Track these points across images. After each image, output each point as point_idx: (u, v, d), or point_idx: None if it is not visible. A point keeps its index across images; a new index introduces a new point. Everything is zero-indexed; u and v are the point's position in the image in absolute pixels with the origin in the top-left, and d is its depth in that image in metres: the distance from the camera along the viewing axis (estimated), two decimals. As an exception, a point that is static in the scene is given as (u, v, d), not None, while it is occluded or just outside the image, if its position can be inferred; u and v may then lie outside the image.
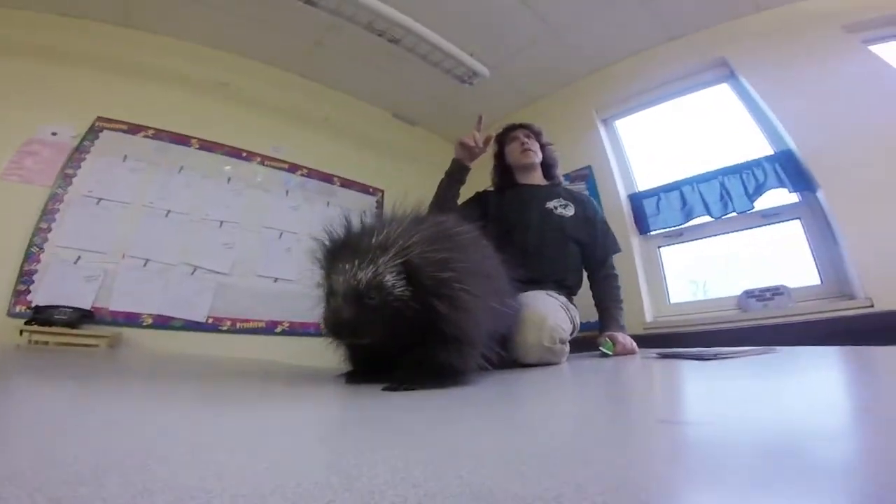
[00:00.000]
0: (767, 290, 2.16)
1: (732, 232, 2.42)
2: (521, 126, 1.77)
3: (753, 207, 2.30)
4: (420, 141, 3.71)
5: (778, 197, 2.26)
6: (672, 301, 2.52)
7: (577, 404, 0.63)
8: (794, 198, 2.22)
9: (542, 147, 1.73)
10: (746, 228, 2.37)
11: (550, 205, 1.58)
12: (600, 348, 1.32)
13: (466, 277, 0.76)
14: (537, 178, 1.69)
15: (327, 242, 0.82)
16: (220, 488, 0.23)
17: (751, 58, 2.44)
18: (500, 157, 1.75)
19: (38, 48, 2.44)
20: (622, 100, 2.96)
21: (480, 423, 0.47)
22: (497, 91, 3.22)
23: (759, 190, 2.28)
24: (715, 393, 0.64)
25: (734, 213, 2.34)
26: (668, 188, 2.61)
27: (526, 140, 1.69)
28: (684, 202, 2.53)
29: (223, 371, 1.20)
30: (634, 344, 1.40)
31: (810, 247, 2.14)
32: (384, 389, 0.70)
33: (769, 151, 2.31)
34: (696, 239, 2.54)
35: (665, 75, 2.77)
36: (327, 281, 0.77)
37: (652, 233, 2.64)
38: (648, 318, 2.46)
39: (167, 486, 0.23)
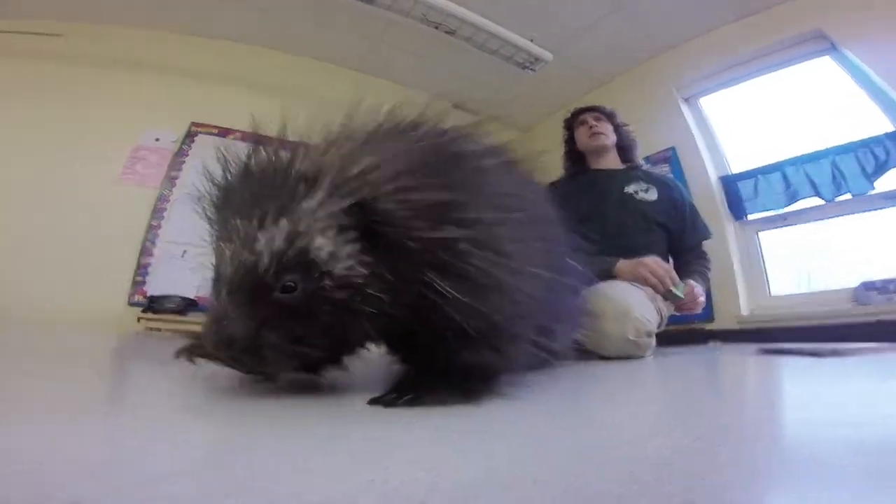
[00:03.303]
0: (891, 281, 1.89)
1: (845, 215, 2.14)
2: (590, 109, 1.68)
3: (874, 188, 2.02)
4: (485, 130, 3.66)
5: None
6: (773, 293, 2.29)
7: (694, 403, 0.58)
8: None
9: (617, 129, 1.63)
10: (863, 211, 2.09)
11: (630, 189, 1.49)
12: (671, 289, 1.23)
13: (489, 234, 0.44)
14: (612, 161, 1.60)
15: (219, 182, 0.46)
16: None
17: (853, 29, 2.13)
18: (570, 141, 1.67)
19: (135, 60, 2.69)
20: (705, 77, 2.72)
21: (560, 422, 0.45)
22: (563, 75, 3.08)
23: (881, 169, 2.00)
24: (863, 393, 0.56)
25: (848, 195, 2.07)
26: (767, 169, 2.37)
27: (595, 123, 1.60)
28: (787, 184, 2.28)
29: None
30: (703, 299, 1.35)
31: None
32: (371, 402, 0.42)
33: (889, 128, 2.02)
34: (802, 223, 2.28)
35: (752, 50, 2.50)
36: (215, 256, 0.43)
37: (749, 217, 2.41)
38: (744, 311, 2.25)
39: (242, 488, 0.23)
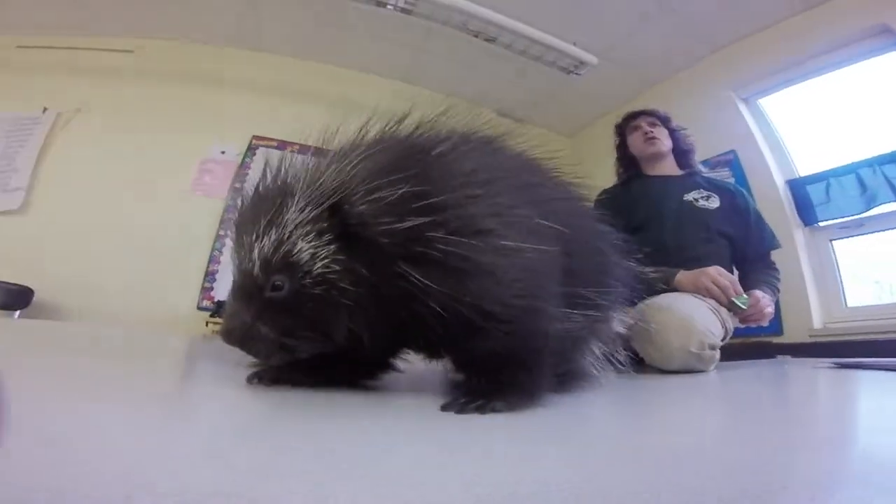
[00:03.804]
0: None
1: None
2: (644, 113, 1.62)
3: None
4: (529, 137, 3.63)
5: None
6: (849, 304, 2.14)
7: (763, 415, 0.56)
8: None
9: (672, 133, 1.57)
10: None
11: (690, 196, 1.43)
12: (733, 300, 1.17)
13: (458, 216, 0.45)
14: (669, 167, 1.54)
15: (238, 207, 0.52)
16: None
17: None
18: (622, 147, 1.62)
19: (200, 75, 2.87)
20: (763, 76, 2.59)
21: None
22: (609, 78, 3.00)
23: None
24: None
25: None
26: (839, 171, 2.22)
27: (650, 129, 1.55)
28: (863, 187, 2.12)
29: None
30: (771, 310, 1.26)
31: None
32: (443, 409, 0.44)
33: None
34: (882, 230, 2.11)
35: (812, 47, 2.35)
36: None
37: (821, 224, 2.26)
38: (817, 323, 2.11)
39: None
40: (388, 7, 2.50)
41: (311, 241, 0.44)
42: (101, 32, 2.77)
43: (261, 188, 0.50)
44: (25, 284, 2.23)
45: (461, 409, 0.43)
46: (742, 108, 2.68)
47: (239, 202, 0.52)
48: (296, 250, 0.43)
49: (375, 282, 0.44)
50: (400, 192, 0.43)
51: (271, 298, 0.44)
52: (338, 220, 0.44)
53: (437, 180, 0.46)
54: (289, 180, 0.47)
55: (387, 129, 0.54)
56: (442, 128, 0.56)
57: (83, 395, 0.40)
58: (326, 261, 0.44)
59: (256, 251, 0.44)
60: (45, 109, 2.68)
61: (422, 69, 3.15)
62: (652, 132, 1.53)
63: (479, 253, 0.44)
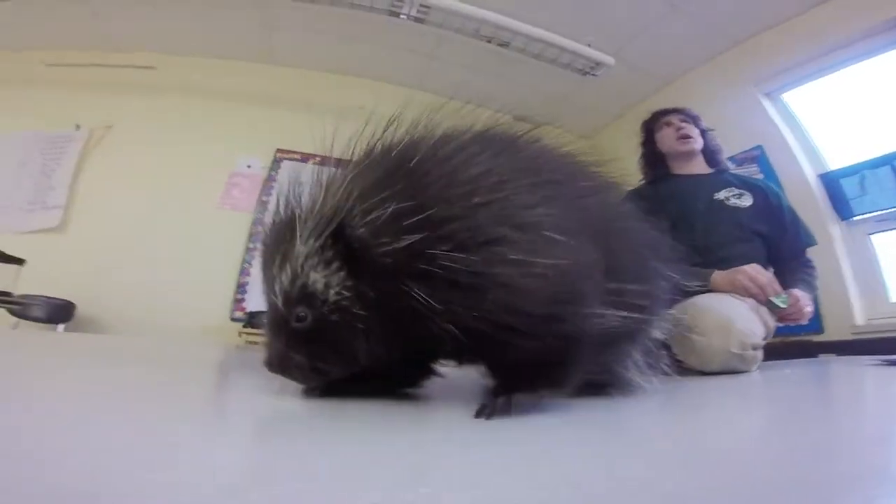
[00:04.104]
0: None
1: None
2: (675, 110, 1.59)
3: None
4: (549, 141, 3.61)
5: None
6: (893, 299, 2.07)
7: (810, 415, 0.55)
8: None
9: (702, 133, 1.55)
10: None
11: (721, 195, 1.41)
12: (771, 299, 1.14)
13: (461, 228, 0.42)
14: (698, 166, 1.51)
15: (262, 239, 0.53)
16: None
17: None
18: (648, 145, 1.59)
19: (222, 91, 2.93)
20: (785, 70, 2.52)
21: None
22: (625, 77, 2.96)
23: None
24: None
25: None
26: (874, 163, 2.15)
27: (682, 125, 1.53)
28: (901, 178, 2.06)
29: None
30: (811, 309, 1.22)
31: None
32: (476, 416, 0.42)
33: None
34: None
35: (835, 39, 2.29)
36: None
37: (857, 218, 2.20)
38: (859, 320, 2.05)
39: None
40: (402, 16, 2.53)
41: (321, 272, 0.44)
42: (123, 48, 2.85)
43: (275, 220, 0.50)
44: (68, 299, 2.32)
45: (490, 415, 0.42)
46: (766, 103, 2.62)
47: (262, 235, 0.52)
48: (310, 282, 0.44)
49: (385, 302, 0.43)
50: (389, 210, 0.42)
51: (296, 329, 0.45)
52: (341, 245, 0.44)
53: (433, 191, 0.44)
54: (295, 209, 0.48)
55: (377, 137, 0.51)
56: (442, 129, 0.52)
57: (129, 405, 0.42)
58: (338, 288, 0.44)
59: (278, 285, 0.45)
60: (77, 127, 2.78)
61: (436, 76, 3.16)
62: (685, 129, 1.50)
63: (488, 266, 0.41)
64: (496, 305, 0.42)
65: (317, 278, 0.44)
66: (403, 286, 0.42)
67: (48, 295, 2.24)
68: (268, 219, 0.52)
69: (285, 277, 0.45)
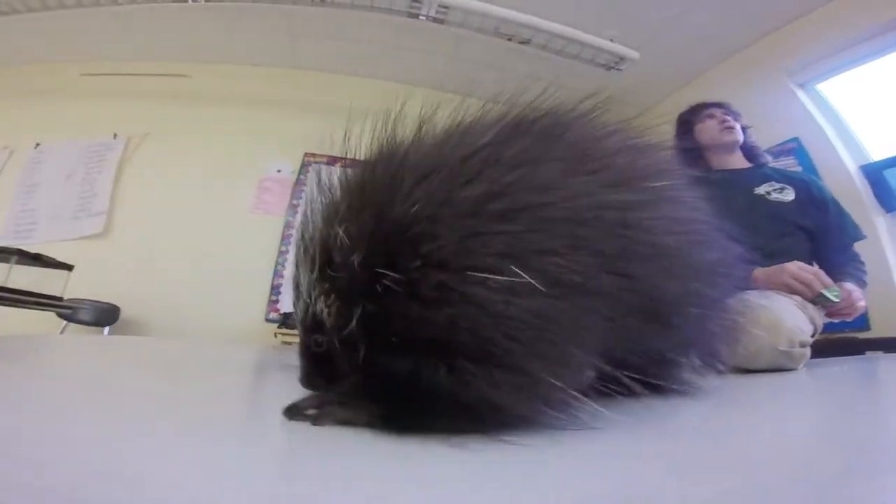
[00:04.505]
0: None
1: None
2: (717, 104, 1.57)
3: None
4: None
5: None
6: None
7: (866, 414, 0.55)
8: None
9: (743, 130, 1.52)
10: None
11: (761, 190, 1.38)
12: (823, 292, 1.11)
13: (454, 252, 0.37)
14: (738, 160, 1.49)
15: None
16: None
17: None
18: (685, 137, 1.56)
19: (252, 97, 3.01)
20: (818, 60, 2.47)
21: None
22: (651, 71, 2.92)
23: None
24: None
25: None
26: (919, 153, 2.08)
27: (726, 117, 1.50)
28: (949, 168, 1.98)
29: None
30: (864, 303, 1.19)
31: None
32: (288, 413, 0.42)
33: None
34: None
35: (869, 27, 2.22)
36: None
37: (902, 209, 2.13)
38: (907, 316, 1.98)
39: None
40: (421, 17, 2.55)
41: (322, 301, 0.42)
42: (157, 58, 2.96)
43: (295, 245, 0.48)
44: (113, 303, 2.42)
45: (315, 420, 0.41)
46: (799, 94, 2.56)
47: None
48: (317, 311, 0.43)
49: (367, 325, 0.40)
50: (371, 231, 0.38)
51: (315, 353, 0.45)
52: (328, 273, 0.41)
53: (421, 208, 0.38)
54: (311, 226, 0.45)
55: (363, 145, 0.48)
56: (440, 128, 0.47)
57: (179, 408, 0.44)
58: (336, 316, 0.41)
59: (299, 313, 0.45)
60: (115, 135, 2.89)
61: (457, 76, 3.16)
62: (728, 120, 1.48)
63: (463, 284, 0.36)
64: (456, 320, 0.36)
65: (321, 308, 0.42)
66: (367, 305, 0.38)
67: (94, 299, 2.34)
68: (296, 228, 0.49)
69: (300, 306, 0.44)
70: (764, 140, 2.28)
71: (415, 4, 2.48)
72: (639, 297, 0.43)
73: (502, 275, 0.35)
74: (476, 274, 0.35)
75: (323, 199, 0.45)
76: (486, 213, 0.38)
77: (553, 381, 0.37)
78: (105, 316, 2.40)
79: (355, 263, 0.39)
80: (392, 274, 0.37)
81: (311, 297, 0.43)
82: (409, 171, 0.40)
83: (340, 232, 0.39)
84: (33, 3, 2.33)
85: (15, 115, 2.83)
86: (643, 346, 0.47)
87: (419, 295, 0.36)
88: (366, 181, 0.43)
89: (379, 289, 0.38)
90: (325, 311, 0.42)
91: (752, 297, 1.08)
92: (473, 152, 0.41)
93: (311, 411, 0.41)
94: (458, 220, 0.37)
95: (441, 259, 0.36)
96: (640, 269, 0.43)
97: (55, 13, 2.42)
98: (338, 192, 0.44)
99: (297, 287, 0.45)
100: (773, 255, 1.22)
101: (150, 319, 2.52)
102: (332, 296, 0.42)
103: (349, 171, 0.46)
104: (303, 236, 0.45)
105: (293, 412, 0.42)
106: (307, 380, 0.46)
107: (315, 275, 0.43)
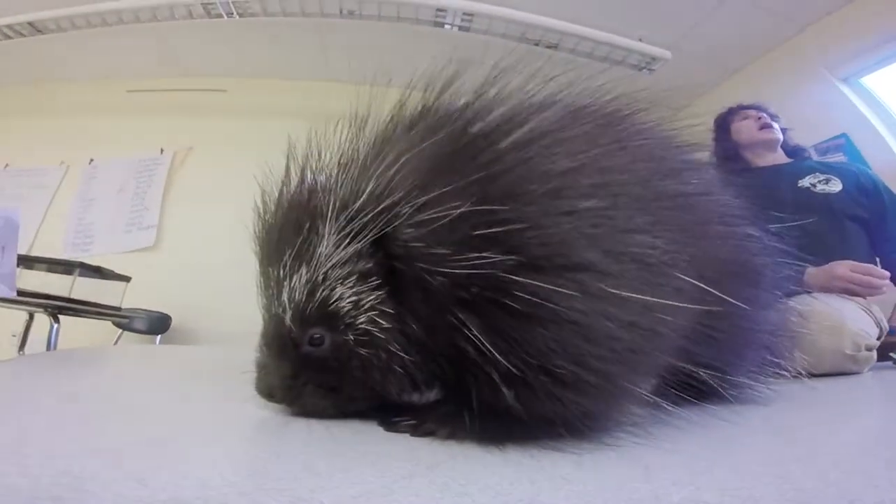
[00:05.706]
0: None
1: None
2: (754, 106, 1.53)
3: None
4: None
5: None
6: None
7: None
8: None
9: (782, 130, 1.49)
10: None
11: (805, 182, 1.33)
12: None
13: (548, 246, 0.31)
14: (778, 157, 1.46)
15: (260, 217, 0.42)
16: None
17: None
18: (722, 138, 1.53)
19: (286, 109, 3.00)
20: (860, 53, 2.36)
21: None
22: (683, 71, 2.83)
23: None
24: None
25: None
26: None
27: (762, 114, 1.48)
28: None
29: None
30: None
31: None
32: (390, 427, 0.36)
33: None
34: None
35: None
36: None
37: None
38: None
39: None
40: (446, 26, 2.57)
41: (352, 287, 0.33)
42: (194, 73, 3.05)
43: (284, 197, 0.39)
44: (164, 312, 2.52)
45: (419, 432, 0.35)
46: (844, 88, 2.46)
47: (259, 208, 0.41)
48: (334, 298, 0.34)
49: (427, 338, 0.33)
50: (458, 211, 0.30)
51: (309, 354, 0.35)
52: (382, 255, 0.33)
53: (510, 189, 0.32)
54: (318, 191, 0.36)
55: (429, 102, 0.40)
56: (515, 97, 0.41)
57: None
58: (373, 313, 0.33)
59: (286, 294, 0.35)
60: (161, 150, 3.00)
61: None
62: (765, 117, 1.46)
63: (563, 298, 0.30)
64: (550, 345, 0.30)
65: (345, 294, 0.33)
66: (452, 316, 0.31)
67: (148, 308, 2.44)
68: (272, 187, 0.40)
69: (299, 284, 0.34)
70: (810, 138, 2.23)
71: (440, 13, 2.49)
72: (709, 294, 0.39)
73: (600, 274, 0.31)
74: (578, 278, 0.30)
75: (370, 150, 0.38)
76: (573, 188, 0.33)
77: (637, 388, 0.35)
78: (158, 325, 2.51)
79: (429, 253, 0.31)
80: (479, 271, 0.30)
81: (326, 276, 0.33)
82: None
83: (413, 201, 0.32)
84: (78, 20, 2.42)
85: (69, 131, 2.98)
86: (713, 348, 0.44)
87: (507, 305, 0.30)
88: (444, 142, 0.35)
89: (459, 295, 0.31)
90: (350, 300, 0.33)
91: (815, 298, 1.06)
92: (538, 131, 0.36)
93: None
94: (541, 199, 0.32)
95: (535, 259, 0.30)
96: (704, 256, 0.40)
97: (98, 30, 2.49)
98: (400, 151, 0.35)
99: (298, 253, 0.34)
100: (828, 251, 1.17)
101: (199, 328, 2.61)
102: (373, 283, 0.33)
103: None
104: (312, 181, 0.37)
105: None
106: (282, 389, 0.36)
107: (351, 247, 0.33)
